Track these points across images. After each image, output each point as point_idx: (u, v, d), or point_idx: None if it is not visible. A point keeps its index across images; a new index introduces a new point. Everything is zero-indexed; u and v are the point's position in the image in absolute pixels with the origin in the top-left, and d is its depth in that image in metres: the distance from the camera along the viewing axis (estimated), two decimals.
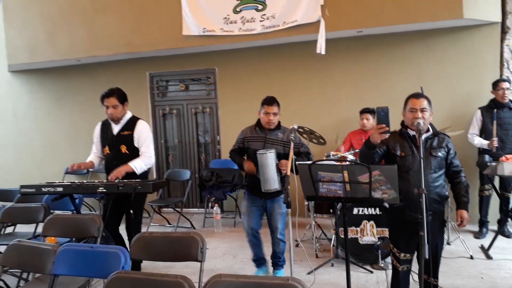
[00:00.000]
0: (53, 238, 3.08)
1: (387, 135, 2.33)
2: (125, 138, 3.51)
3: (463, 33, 4.91)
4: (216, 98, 6.02)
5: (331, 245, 4.06)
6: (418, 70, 5.09)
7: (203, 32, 5.24)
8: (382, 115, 2.29)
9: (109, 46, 5.68)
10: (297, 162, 2.66)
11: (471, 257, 3.85)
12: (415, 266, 2.50)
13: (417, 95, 2.49)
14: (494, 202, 4.53)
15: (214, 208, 5.20)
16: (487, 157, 4.11)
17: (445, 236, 4.09)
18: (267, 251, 3.61)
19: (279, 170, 3.17)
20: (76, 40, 5.79)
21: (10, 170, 6.81)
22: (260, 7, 5.03)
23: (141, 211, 3.68)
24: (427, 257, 2.10)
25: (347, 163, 2.55)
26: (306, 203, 4.42)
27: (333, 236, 3.99)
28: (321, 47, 4.75)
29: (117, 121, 3.53)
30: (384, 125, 2.27)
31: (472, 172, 4.55)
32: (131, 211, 3.43)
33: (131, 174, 3.43)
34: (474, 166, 4.38)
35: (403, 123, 2.57)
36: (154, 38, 5.48)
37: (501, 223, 4.38)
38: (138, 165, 3.46)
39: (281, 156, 3.29)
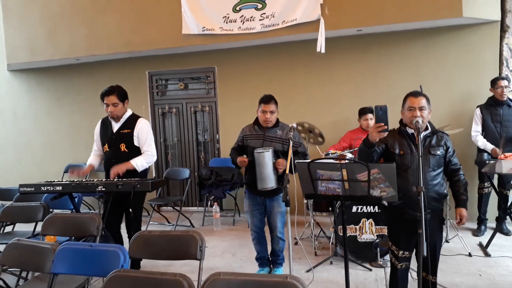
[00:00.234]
0: (52, 237, 3.09)
1: (385, 134, 2.33)
2: (125, 136, 3.51)
3: (463, 31, 4.91)
4: (215, 96, 6.02)
5: (330, 243, 4.07)
6: (417, 68, 5.09)
7: (203, 31, 5.23)
8: (380, 113, 2.29)
9: (109, 45, 5.68)
10: (296, 161, 2.67)
11: (470, 255, 3.86)
12: (413, 264, 2.51)
13: (416, 94, 2.49)
14: (493, 200, 4.54)
15: (214, 207, 5.20)
16: (485, 155, 4.12)
17: (444, 234, 4.10)
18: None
19: (275, 169, 3.18)
20: (76, 39, 5.79)
21: (10, 169, 6.82)
22: (259, 6, 5.03)
23: (141, 210, 3.68)
24: (425, 254, 2.11)
25: (346, 161, 2.55)
26: (305, 201, 4.43)
27: (332, 234, 4.00)
28: (321, 46, 4.74)
29: (117, 119, 3.53)
30: (382, 124, 2.27)
31: (471, 170, 4.56)
32: (131, 210, 3.44)
33: (131, 172, 3.43)
34: (473, 164, 4.39)
35: (402, 121, 2.57)
36: (153, 37, 5.48)
37: (500, 220, 4.38)
38: (139, 163, 3.47)
39: (280, 153, 3.31)
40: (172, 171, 5.71)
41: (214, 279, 1.68)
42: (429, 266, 2.39)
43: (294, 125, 3.27)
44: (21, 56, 6.11)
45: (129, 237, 3.38)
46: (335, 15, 4.75)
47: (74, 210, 3.79)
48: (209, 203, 5.59)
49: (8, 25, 6.12)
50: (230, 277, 1.69)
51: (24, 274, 3.09)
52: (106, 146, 3.56)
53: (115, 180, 3.31)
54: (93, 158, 3.69)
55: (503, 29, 4.82)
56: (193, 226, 5.40)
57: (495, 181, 4.38)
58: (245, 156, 3.40)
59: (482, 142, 4.39)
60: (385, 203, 2.44)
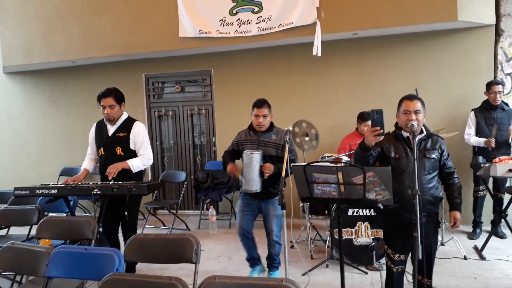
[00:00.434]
0: (47, 240, 3.07)
1: (381, 138, 2.34)
2: (121, 140, 3.50)
3: (458, 35, 4.94)
4: (212, 99, 6.02)
5: (326, 246, 4.07)
6: (413, 72, 5.12)
7: (199, 33, 5.24)
8: (376, 117, 2.30)
9: (105, 47, 5.67)
10: (292, 164, 2.67)
11: (465, 258, 3.87)
12: (409, 267, 2.51)
13: (411, 97, 2.50)
14: (488, 203, 4.56)
15: (210, 210, 5.19)
16: (480, 159, 4.14)
17: (439, 237, 4.12)
18: (263, 252, 3.60)
19: (262, 173, 3.18)
20: (71, 41, 5.78)
21: (5, 171, 6.78)
22: (256, 9, 5.05)
23: (136, 213, 3.67)
24: (420, 257, 2.12)
25: (342, 164, 2.56)
26: (301, 204, 4.43)
27: (328, 237, 4.00)
28: (317, 49, 4.76)
29: (113, 121, 3.51)
30: (378, 128, 2.28)
31: (466, 173, 4.58)
32: (126, 213, 3.42)
33: (127, 174, 3.41)
34: (468, 167, 4.40)
35: (397, 124, 2.58)
36: (150, 40, 5.47)
37: (495, 223, 4.41)
38: (135, 164, 3.45)
39: (274, 158, 3.31)
40: (168, 174, 5.70)
41: (210, 283, 1.68)
42: (425, 269, 2.40)
43: (290, 128, 3.27)
44: (16, 58, 6.09)
45: (125, 240, 3.37)
46: (331, 18, 4.77)
47: (69, 213, 3.77)
48: (205, 206, 5.58)
49: (3, 27, 6.10)
50: (225, 280, 1.69)
51: (18, 278, 3.06)
52: (102, 149, 3.54)
53: (110, 183, 3.29)
54: (88, 163, 3.66)
55: (498, 33, 4.86)
56: (189, 230, 5.39)
57: (490, 185, 4.40)
58: (236, 164, 3.41)
59: (475, 140, 4.44)
60: (381, 206, 2.45)
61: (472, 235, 4.54)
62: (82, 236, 2.77)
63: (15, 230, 3.89)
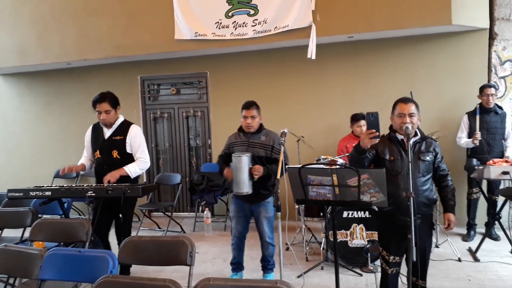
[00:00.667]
0: (40, 242, 3.04)
1: (377, 140, 2.35)
2: (117, 143, 3.48)
3: (452, 39, 4.98)
4: (207, 102, 6.02)
5: (321, 248, 4.07)
6: (408, 75, 5.15)
7: (195, 36, 5.24)
8: (372, 120, 2.31)
9: (101, 49, 5.66)
10: (287, 166, 2.68)
11: (459, 260, 3.89)
12: (403, 269, 2.52)
13: (405, 100, 2.52)
14: (482, 205, 4.59)
15: (205, 212, 5.19)
16: (474, 161, 4.17)
17: (434, 239, 4.13)
18: (257, 255, 3.60)
19: (251, 175, 3.19)
20: (67, 43, 5.76)
21: None
22: (252, 12, 5.06)
23: (131, 215, 3.65)
24: (415, 259, 2.13)
25: (336, 166, 2.57)
26: (296, 206, 4.43)
27: (323, 239, 4.01)
28: (311, 52, 4.78)
29: (109, 125, 3.50)
30: (374, 130, 2.29)
31: (460, 175, 4.61)
32: (121, 215, 3.41)
33: (123, 177, 3.40)
34: (462, 170, 4.43)
35: (391, 127, 2.59)
36: (145, 42, 5.47)
37: (489, 226, 4.43)
38: (133, 169, 3.44)
39: (264, 159, 3.33)
40: (164, 176, 5.68)
41: (204, 285, 1.68)
42: (419, 271, 2.41)
43: (286, 131, 3.28)
44: (11, 60, 6.05)
45: (119, 243, 3.35)
46: (327, 21, 4.79)
47: (63, 216, 3.75)
48: (200, 209, 5.57)
49: None
50: (220, 282, 1.69)
51: (11, 280, 3.04)
52: (98, 152, 3.52)
53: (105, 185, 3.28)
54: (84, 160, 3.66)
55: (492, 37, 4.90)
56: (184, 232, 5.37)
57: (484, 187, 4.43)
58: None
59: (465, 141, 4.49)
60: (375, 208, 2.46)
61: (466, 237, 4.56)
62: (76, 239, 2.75)
63: (8, 233, 3.85)
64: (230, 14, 5.12)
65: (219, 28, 5.17)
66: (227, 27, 5.14)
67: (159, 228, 5.54)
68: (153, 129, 6.33)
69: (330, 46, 5.26)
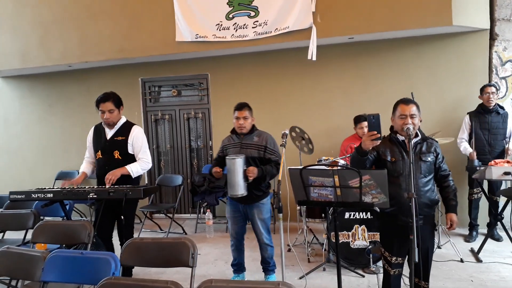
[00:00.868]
0: (42, 244, 3.05)
1: (378, 142, 2.35)
2: (119, 144, 3.49)
3: (453, 39, 4.98)
4: (208, 103, 6.03)
5: (323, 249, 4.07)
6: (408, 76, 5.15)
7: (196, 38, 5.25)
8: (373, 122, 2.31)
9: (102, 52, 5.67)
10: (288, 167, 2.68)
11: (461, 261, 3.88)
12: (405, 270, 2.52)
13: (407, 101, 2.52)
14: (484, 206, 4.58)
15: (206, 214, 5.19)
16: (476, 162, 4.17)
17: (436, 240, 4.13)
18: (259, 256, 3.60)
19: (246, 177, 3.20)
20: (68, 45, 5.78)
21: (1, 175, 6.75)
22: (252, 13, 5.07)
23: (133, 217, 3.65)
24: (417, 260, 2.12)
25: (338, 167, 2.57)
26: (298, 207, 4.43)
27: (325, 240, 4.00)
28: (312, 53, 4.79)
29: (111, 125, 3.51)
30: (375, 132, 2.29)
31: (462, 176, 4.61)
32: (122, 217, 3.41)
33: (125, 178, 3.41)
34: (464, 170, 4.43)
35: (392, 128, 2.59)
36: (146, 44, 5.48)
37: (491, 226, 4.43)
38: (134, 169, 3.45)
39: (257, 160, 3.35)
40: (165, 178, 5.69)
41: (206, 286, 1.68)
42: (421, 272, 2.41)
43: (287, 132, 3.29)
44: (13, 63, 6.08)
45: (121, 245, 3.35)
46: (327, 23, 4.80)
47: (65, 218, 3.75)
48: (202, 210, 5.57)
49: (0, 31, 6.09)
50: (222, 284, 1.69)
51: (13, 282, 3.04)
52: (99, 153, 3.53)
53: (107, 187, 3.28)
54: (86, 166, 3.66)
55: (492, 37, 4.90)
56: (186, 233, 5.37)
57: (486, 187, 4.42)
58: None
59: (464, 147, 4.49)
60: (377, 209, 2.45)
61: (468, 238, 4.55)
62: (78, 240, 2.75)
63: (10, 235, 3.87)
64: (230, 16, 5.13)
65: (219, 30, 5.18)
66: (228, 29, 5.15)
67: (161, 229, 5.54)
68: (154, 130, 6.34)
69: (331, 48, 5.26)
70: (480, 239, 4.37)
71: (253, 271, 3.82)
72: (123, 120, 3.58)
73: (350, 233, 3.74)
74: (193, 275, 2.30)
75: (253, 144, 3.39)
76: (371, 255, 3.60)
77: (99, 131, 3.60)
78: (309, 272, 3.71)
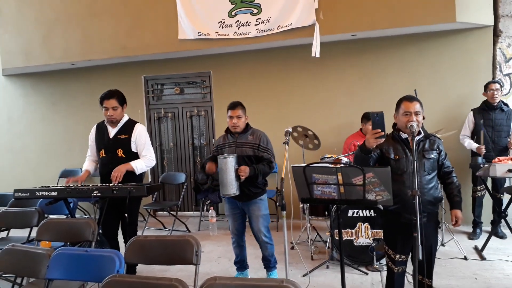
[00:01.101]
0: (47, 242, 3.07)
1: (382, 140, 2.34)
2: (122, 142, 3.50)
3: (456, 36, 4.95)
4: (211, 101, 6.03)
5: (327, 247, 4.07)
6: (412, 73, 5.13)
7: (199, 35, 5.25)
8: (377, 119, 2.30)
9: (105, 50, 5.68)
10: (291, 165, 2.68)
11: (465, 258, 3.88)
12: (409, 267, 2.52)
13: (411, 98, 2.50)
14: (488, 203, 4.57)
15: (210, 211, 5.19)
16: (480, 159, 4.15)
17: (439, 237, 4.12)
18: (260, 253, 3.61)
19: (238, 176, 3.21)
20: (71, 44, 5.79)
21: (4, 174, 6.78)
22: (255, 11, 5.06)
23: (136, 215, 3.67)
24: (421, 258, 2.12)
25: (341, 165, 2.57)
26: (301, 205, 4.43)
27: (328, 238, 4.00)
28: (316, 51, 4.77)
29: (115, 123, 3.52)
30: (379, 130, 2.29)
31: (465, 173, 4.59)
32: (126, 215, 3.43)
33: (128, 176, 3.41)
34: (467, 168, 4.41)
35: (395, 125, 2.58)
36: (149, 42, 5.48)
37: (495, 224, 4.41)
38: (139, 165, 3.46)
39: (252, 157, 3.36)
40: (168, 176, 5.70)
41: (210, 284, 1.68)
42: (425, 269, 2.41)
43: (290, 129, 3.29)
44: (16, 61, 6.09)
45: (125, 242, 3.36)
46: (330, 20, 4.78)
47: (69, 215, 3.77)
48: (205, 208, 5.58)
49: (3, 30, 6.11)
50: (226, 281, 1.69)
51: (19, 280, 3.06)
52: (103, 151, 3.54)
53: (110, 184, 3.29)
54: (89, 164, 3.67)
55: (496, 34, 4.88)
56: (189, 231, 5.38)
57: (489, 185, 4.40)
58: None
59: (469, 143, 4.48)
60: (381, 207, 2.45)
61: (472, 236, 4.54)
62: (82, 238, 2.77)
63: (15, 233, 3.89)
64: (233, 13, 5.12)
65: (222, 28, 5.17)
66: (230, 26, 5.14)
67: (164, 227, 5.56)
68: (157, 128, 6.35)
69: (334, 45, 5.25)
70: (484, 236, 4.36)
71: (256, 268, 3.82)
72: (125, 118, 3.59)
73: (353, 231, 3.74)
74: (197, 273, 2.31)
75: (248, 142, 3.41)
76: (374, 252, 3.61)
77: (101, 130, 3.60)
78: (312, 270, 3.71)
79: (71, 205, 3.78)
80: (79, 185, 3.42)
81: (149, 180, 6.22)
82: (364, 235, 3.72)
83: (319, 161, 4.06)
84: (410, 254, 2.57)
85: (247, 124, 3.50)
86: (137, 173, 3.47)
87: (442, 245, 4.21)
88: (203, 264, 3.53)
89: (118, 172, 3.32)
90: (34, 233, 3.04)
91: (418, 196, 2.16)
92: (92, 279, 2.19)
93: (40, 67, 6.18)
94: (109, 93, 3.46)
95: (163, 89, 6.38)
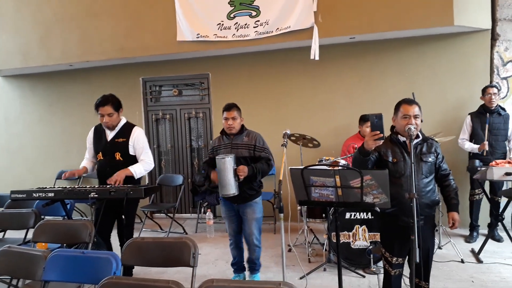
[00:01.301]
0: (43, 244, 3.05)
1: (381, 142, 2.35)
2: (120, 145, 3.48)
3: (454, 40, 4.97)
4: (209, 103, 6.03)
5: (324, 249, 4.06)
6: (410, 76, 5.14)
7: (197, 37, 5.25)
8: (376, 122, 2.30)
9: (103, 51, 5.67)
10: (289, 167, 2.68)
11: (462, 261, 3.88)
12: (406, 270, 2.52)
13: (410, 101, 2.51)
14: (485, 206, 4.57)
15: (207, 214, 5.18)
16: (477, 162, 4.16)
17: (436, 240, 4.12)
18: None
19: (237, 176, 3.21)
20: (69, 45, 5.78)
21: (2, 174, 6.75)
22: (254, 13, 5.07)
23: (134, 216, 3.65)
24: (418, 260, 2.12)
25: (339, 167, 2.57)
26: (298, 207, 4.43)
27: (326, 240, 4.00)
28: (314, 53, 4.78)
29: (112, 128, 3.50)
30: (378, 132, 2.29)
31: (463, 176, 4.60)
32: (123, 217, 3.41)
33: (128, 178, 3.41)
34: (465, 171, 4.43)
35: (393, 128, 2.59)
36: (147, 43, 5.48)
37: (492, 227, 4.42)
38: (138, 170, 3.45)
39: (248, 159, 3.37)
40: (166, 178, 5.69)
41: (208, 286, 1.68)
42: (422, 272, 2.41)
43: (288, 132, 3.29)
44: (13, 62, 6.08)
45: (121, 244, 3.35)
46: (329, 22, 4.79)
47: (66, 217, 3.75)
48: (202, 210, 5.57)
49: (1, 31, 6.09)
50: (223, 284, 1.69)
51: (14, 281, 3.04)
52: (100, 154, 3.52)
53: (107, 186, 3.28)
54: (86, 163, 3.66)
55: (494, 38, 4.90)
56: (186, 233, 5.37)
57: (487, 188, 4.41)
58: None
59: (469, 145, 4.47)
60: (378, 209, 2.45)
61: (469, 239, 4.55)
62: (79, 240, 2.75)
63: (11, 234, 3.87)
64: (232, 15, 5.13)
65: (221, 30, 5.18)
66: (229, 28, 5.15)
67: (161, 229, 5.54)
68: (155, 130, 6.34)
69: (332, 47, 5.26)
70: (480, 239, 4.37)
71: None
72: (123, 121, 3.57)
73: (350, 233, 3.74)
74: (194, 275, 2.30)
75: (243, 144, 3.42)
76: (371, 255, 3.61)
77: (99, 133, 3.58)
78: (309, 272, 3.71)
79: (68, 206, 3.77)
80: (76, 187, 3.40)
81: (147, 182, 6.20)
82: (361, 238, 3.72)
83: (317, 163, 4.06)
84: (407, 257, 2.57)
85: (242, 126, 3.51)
86: (136, 178, 3.46)
87: (439, 248, 4.22)
88: (200, 266, 3.51)
89: (118, 177, 3.31)
90: (30, 235, 3.02)
91: (415, 199, 2.17)
92: (89, 281, 2.18)
93: (37, 68, 6.17)
94: (103, 100, 3.42)
95: (161, 90, 6.37)
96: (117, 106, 3.48)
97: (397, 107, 2.53)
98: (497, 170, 3.52)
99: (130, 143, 3.49)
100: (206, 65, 5.88)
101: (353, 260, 3.74)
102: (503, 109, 4.46)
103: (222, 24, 5.16)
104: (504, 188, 4.46)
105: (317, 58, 4.77)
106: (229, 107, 3.44)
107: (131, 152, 3.50)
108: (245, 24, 5.09)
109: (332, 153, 4.91)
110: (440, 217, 4.23)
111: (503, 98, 4.86)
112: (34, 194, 3.30)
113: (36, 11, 5.91)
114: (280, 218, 2.79)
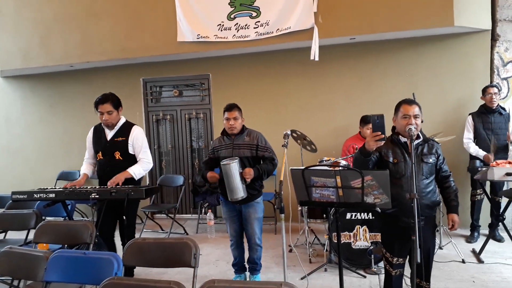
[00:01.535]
0: (45, 244, 3.05)
1: (382, 142, 2.35)
2: (119, 144, 3.49)
3: (454, 40, 4.98)
4: (209, 103, 6.03)
5: (325, 250, 4.06)
6: (410, 76, 5.15)
7: (197, 38, 5.26)
8: (377, 122, 2.30)
9: (103, 52, 5.68)
10: (290, 168, 2.68)
11: (463, 261, 3.88)
12: (407, 270, 2.52)
13: (410, 102, 2.51)
14: (485, 207, 4.58)
15: (208, 214, 5.18)
16: (478, 163, 4.16)
17: (437, 241, 4.12)
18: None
19: (243, 179, 3.22)
20: (70, 45, 5.78)
21: (3, 175, 6.75)
22: (254, 14, 5.07)
23: (135, 217, 3.66)
24: (419, 261, 2.12)
25: (340, 168, 2.57)
26: (299, 208, 4.43)
27: (327, 241, 4.00)
28: (314, 54, 4.79)
29: (111, 126, 3.51)
30: (379, 133, 2.29)
31: (464, 177, 4.60)
32: (124, 217, 3.42)
33: (128, 180, 3.41)
34: (466, 171, 4.43)
35: (394, 129, 2.59)
36: (148, 44, 5.48)
37: (492, 227, 4.42)
38: (137, 171, 3.45)
39: (250, 159, 3.38)
40: (166, 178, 5.69)
41: (209, 287, 1.68)
42: (423, 273, 2.41)
43: (289, 132, 3.29)
44: (14, 63, 6.08)
45: (123, 245, 3.36)
46: (329, 23, 4.79)
47: (67, 218, 3.76)
48: (203, 210, 5.57)
49: (1, 31, 6.10)
50: (225, 284, 1.69)
51: (16, 282, 3.04)
52: (100, 154, 3.53)
53: (108, 187, 3.29)
54: (86, 167, 3.65)
55: (494, 38, 4.90)
56: (187, 234, 5.37)
57: (488, 188, 4.41)
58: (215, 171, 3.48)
59: (474, 149, 4.44)
60: (379, 210, 2.46)
61: (470, 239, 4.55)
62: (80, 241, 2.76)
63: (12, 235, 3.87)
64: (232, 16, 5.13)
65: (221, 30, 5.18)
66: (229, 29, 5.15)
67: (162, 230, 5.54)
68: (156, 131, 6.34)
69: (332, 48, 5.26)
70: (481, 240, 4.37)
71: None
72: (122, 120, 3.57)
73: (351, 234, 3.74)
74: (195, 276, 2.31)
75: (245, 144, 3.43)
76: (372, 255, 3.60)
77: (98, 132, 3.59)
78: (310, 273, 3.71)
79: (69, 207, 3.77)
80: (77, 187, 3.40)
81: (147, 182, 6.21)
82: (362, 238, 3.72)
83: (318, 164, 4.06)
84: (408, 257, 2.57)
85: (243, 126, 3.52)
86: (136, 179, 3.46)
87: (440, 248, 4.22)
88: (201, 267, 3.52)
89: (117, 180, 3.31)
90: (31, 236, 3.02)
91: (416, 200, 2.17)
92: (90, 281, 2.19)
93: (38, 68, 6.17)
94: (103, 98, 3.43)
95: (162, 91, 6.38)
96: (117, 104, 3.48)
97: (397, 107, 2.54)
98: (498, 171, 3.52)
99: (129, 142, 3.49)
100: (206, 66, 5.88)
101: (354, 261, 3.74)
102: (503, 108, 4.47)
103: (223, 25, 5.17)
104: (504, 188, 4.46)
105: (317, 58, 4.78)
106: (231, 107, 3.45)
107: (131, 151, 3.51)
108: (246, 25, 5.10)
109: (333, 153, 4.92)
110: (441, 218, 4.23)
111: (503, 98, 4.86)
112: (35, 195, 3.31)
113: (37, 11, 5.91)
114: (281, 219, 2.79)
